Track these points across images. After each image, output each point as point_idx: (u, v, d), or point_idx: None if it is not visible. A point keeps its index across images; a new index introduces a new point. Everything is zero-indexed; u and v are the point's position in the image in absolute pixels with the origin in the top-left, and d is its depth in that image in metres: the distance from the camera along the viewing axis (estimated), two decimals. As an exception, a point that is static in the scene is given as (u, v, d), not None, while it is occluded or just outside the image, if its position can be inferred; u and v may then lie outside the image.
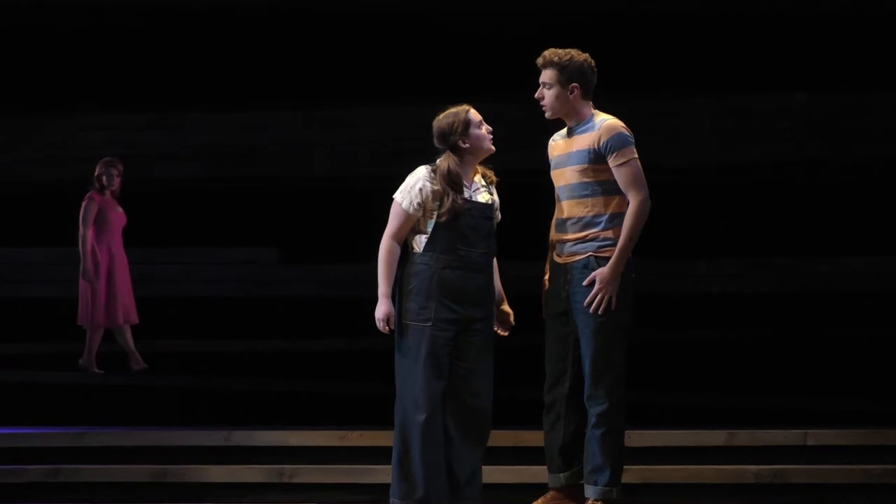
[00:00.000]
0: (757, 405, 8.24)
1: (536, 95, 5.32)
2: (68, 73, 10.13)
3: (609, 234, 5.20)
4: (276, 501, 6.57)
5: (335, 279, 9.01)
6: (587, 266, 5.19)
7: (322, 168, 10.06)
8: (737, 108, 9.80)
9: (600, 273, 5.13)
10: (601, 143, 5.17)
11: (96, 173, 8.87)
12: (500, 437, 6.18)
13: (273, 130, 10.20)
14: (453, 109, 5.30)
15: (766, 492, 6.45)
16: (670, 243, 9.27)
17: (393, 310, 5.22)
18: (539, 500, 5.43)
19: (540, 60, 5.30)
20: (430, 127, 5.32)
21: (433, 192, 5.22)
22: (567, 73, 5.24)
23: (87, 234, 8.73)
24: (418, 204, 5.23)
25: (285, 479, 6.70)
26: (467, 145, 5.26)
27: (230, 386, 8.69)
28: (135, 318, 8.93)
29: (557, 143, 5.39)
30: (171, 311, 9.88)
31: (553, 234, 5.39)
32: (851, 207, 9.55)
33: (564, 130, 5.37)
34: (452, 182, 5.21)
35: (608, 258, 5.15)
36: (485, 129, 5.30)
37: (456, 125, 5.25)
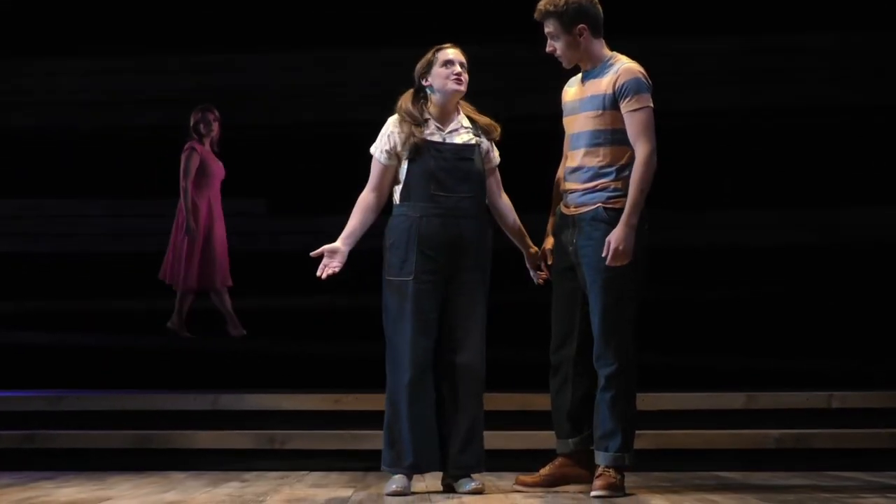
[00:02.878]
0: (778, 366, 8.27)
1: (547, 50, 5.31)
2: (39, 15, 10.06)
3: (619, 184, 5.19)
4: (267, 469, 6.61)
5: (329, 231, 8.93)
6: (596, 217, 5.19)
7: (312, 113, 10.01)
8: (760, 48, 9.75)
9: (613, 236, 5.09)
10: (617, 86, 5.16)
11: (192, 122, 8.80)
12: (506, 401, 6.23)
13: (259, 74, 10.14)
14: (434, 46, 5.41)
15: (789, 458, 6.49)
16: (687, 193, 9.25)
17: (337, 247, 5.34)
18: (547, 467, 5.46)
19: (536, 14, 5.29)
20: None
21: (400, 136, 5.31)
22: (569, 18, 5.22)
23: (188, 186, 8.66)
24: (388, 152, 5.34)
25: (277, 446, 6.75)
26: (429, 83, 5.36)
27: (217, 346, 8.71)
28: (228, 281, 8.89)
29: (571, 89, 5.39)
30: (152, 267, 9.87)
31: (561, 185, 5.39)
32: (886, 154, 9.51)
33: (579, 75, 5.36)
34: (410, 118, 5.32)
35: (618, 209, 5.15)
36: (451, 70, 5.33)
37: (423, 63, 5.39)
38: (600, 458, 5.26)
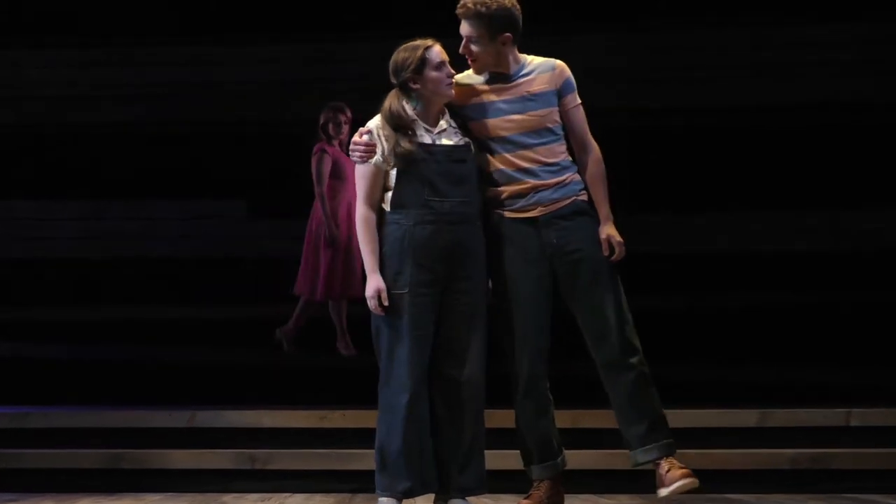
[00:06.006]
0: (794, 380, 8.27)
1: (461, 51, 5.29)
2: (3, 3, 10.04)
3: (578, 177, 5.36)
4: (248, 490, 6.60)
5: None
6: (577, 210, 5.29)
7: (294, 109, 10.00)
8: (776, 41, 9.76)
9: (614, 233, 5.26)
10: (561, 83, 5.32)
11: (321, 122, 8.68)
12: (504, 417, 6.19)
13: (239, 67, 10.14)
14: (415, 43, 5.29)
15: (805, 479, 6.49)
16: (696, 195, 9.25)
17: (383, 284, 5.20)
18: (542, 490, 5.39)
19: (461, 10, 5.25)
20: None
21: (387, 138, 5.23)
22: (496, 25, 5.22)
23: (324, 192, 8.55)
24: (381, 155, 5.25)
25: (257, 466, 6.73)
26: (418, 86, 5.26)
27: (194, 359, 8.69)
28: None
29: (483, 87, 5.33)
30: (124, 272, 9.86)
31: (509, 189, 5.30)
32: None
33: (479, 74, 5.34)
34: (395, 124, 5.23)
35: (587, 202, 5.32)
36: (445, 72, 5.26)
37: (409, 62, 5.25)
38: (654, 452, 5.20)
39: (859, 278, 9.29)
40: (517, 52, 5.35)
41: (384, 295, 5.18)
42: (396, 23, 9.04)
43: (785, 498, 6.18)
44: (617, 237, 5.24)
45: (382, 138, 5.24)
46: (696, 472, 6.40)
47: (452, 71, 5.29)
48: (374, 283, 5.20)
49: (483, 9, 5.20)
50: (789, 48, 9.71)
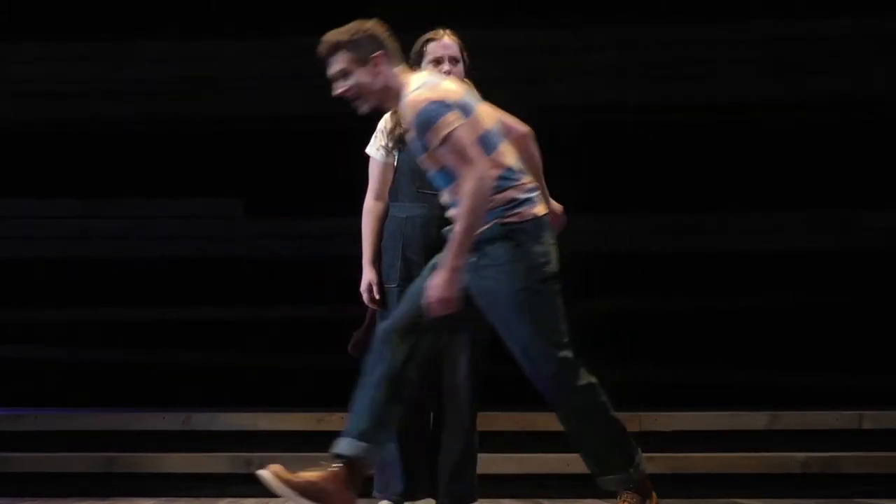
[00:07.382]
0: (804, 382, 8.27)
1: (339, 93, 4.74)
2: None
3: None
4: (244, 495, 6.58)
5: (311, 235, 9.00)
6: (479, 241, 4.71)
7: (294, 104, 10.01)
8: (786, 35, 9.75)
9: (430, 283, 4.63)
10: (411, 130, 4.64)
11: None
12: (506, 420, 6.19)
13: (236, 61, 10.14)
14: (430, 32, 5.31)
15: (816, 483, 6.48)
16: (705, 194, 9.24)
17: (374, 277, 5.22)
18: None
19: (323, 50, 4.81)
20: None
21: (388, 128, 5.26)
22: (363, 48, 4.75)
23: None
24: (383, 147, 5.27)
25: (254, 469, 6.66)
26: None
27: (189, 361, 8.69)
28: None
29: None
30: (117, 273, 9.86)
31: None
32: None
33: None
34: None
35: (495, 227, 4.61)
36: (440, 69, 5.19)
37: (414, 51, 5.28)
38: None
39: (867, 278, 9.28)
40: (401, 72, 4.73)
41: (375, 288, 5.20)
42: (395, 18, 9.04)
43: (795, 503, 6.16)
44: (434, 291, 4.52)
45: (388, 128, 5.27)
46: (703, 477, 6.47)
47: (448, 67, 5.22)
48: (365, 276, 5.23)
49: (344, 38, 4.82)
50: (790, 47, 9.70)
